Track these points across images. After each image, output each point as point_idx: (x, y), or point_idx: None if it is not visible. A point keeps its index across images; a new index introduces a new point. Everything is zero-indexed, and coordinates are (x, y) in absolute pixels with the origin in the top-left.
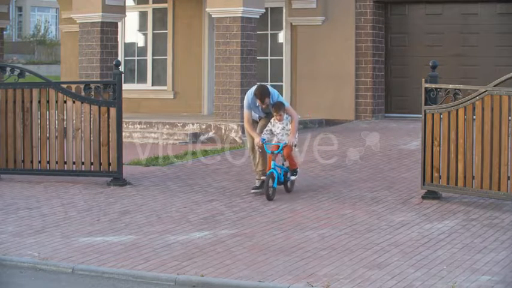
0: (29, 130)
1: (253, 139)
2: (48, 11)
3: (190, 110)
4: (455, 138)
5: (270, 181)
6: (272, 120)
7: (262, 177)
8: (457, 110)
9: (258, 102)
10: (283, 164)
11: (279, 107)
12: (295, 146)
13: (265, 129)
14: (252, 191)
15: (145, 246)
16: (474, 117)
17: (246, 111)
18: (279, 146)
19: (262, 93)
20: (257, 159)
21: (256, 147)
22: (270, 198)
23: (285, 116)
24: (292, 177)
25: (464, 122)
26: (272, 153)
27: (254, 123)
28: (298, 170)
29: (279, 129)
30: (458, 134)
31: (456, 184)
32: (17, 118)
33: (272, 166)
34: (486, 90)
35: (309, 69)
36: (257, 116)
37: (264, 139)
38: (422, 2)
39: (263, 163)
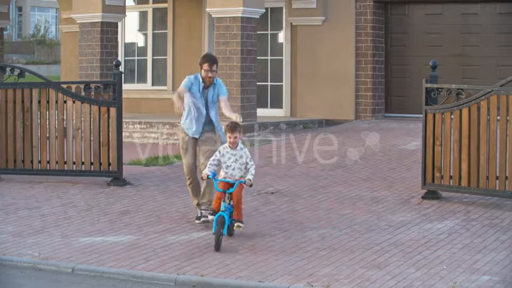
0: (29, 130)
1: (189, 160)
2: (48, 11)
3: None
4: (459, 138)
5: (220, 227)
6: (221, 148)
7: (203, 210)
8: (460, 110)
9: (205, 68)
10: (229, 203)
11: (235, 126)
12: (250, 186)
13: (211, 159)
14: (197, 221)
15: (145, 246)
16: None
17: (182, 86)
18: (233, 185)
19: (211, 57)
20: (193, 189)
21: (200, 179)
22: (219, 247)
23: (240, 145)
24: (238, 226)
25: (469, 121)
26: (224, 192)
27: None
28: (243, 221)
29: (231, 161)
30: (462, 133)
31: (459, 184)
32: (17, 118)
33: (222, 208)
34: (492, 90)
35: (308, 69)
36: (195, 106)
37: (214, 173)
38: (422, 2)
39: (210, 192)
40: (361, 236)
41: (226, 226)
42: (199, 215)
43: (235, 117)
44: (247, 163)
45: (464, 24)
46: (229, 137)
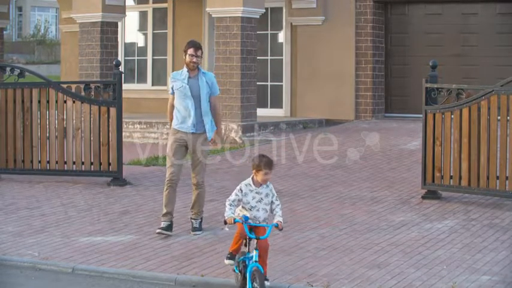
0: (29, 130)
1: (175, 163)
2: (48, 11)
3: None
4: (459, 138)
5: (259, 282)
6: (243, 186)
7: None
8: (460, 110)
9: (190, 53)
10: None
11: (271, 162)
12: (281, 230)
13: (231, 200)
14: (158, 230)
15: (145, 246)
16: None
17: (170, 96)
18: (266, 229)
19: (196, 42)
20: (168, 194)
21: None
22: None
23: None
24: (268, 284)
25: (469, 121)
26: (258, 239)
27: (178, 150)
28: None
29: (255, 201)
30: (463, 133)
31: (459, 183)
32: (17, 118)
33: (255, 258)
34: (493, 90)
35: (309, 69)
36: (183, 102)
37: (246, 217)
38: (422, 2)
39: (201, 204)
40: (361, 236)
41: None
42: (163, 225)
43: (216, 138)
44: (272, 202)
45: (464, 24)
46: (265, 174)
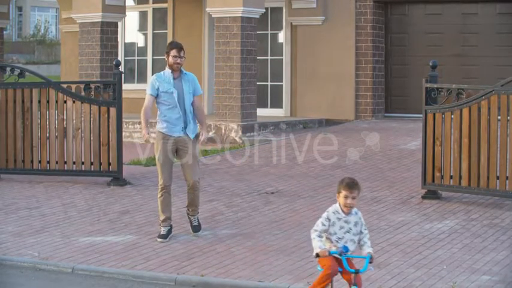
0: (29, 130)
1: (167, 169)
2: (48, 11)
3: None
4: (459, 138)
5: None
6: (331, 214)
7: (166, 226)
8: (461, 110)
9: (173, 54)
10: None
11: (354, 183)
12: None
13: (319, 229)
14: (159, 239)
15: (145, 246)
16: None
17: (148, 96)
18: (358, 261)
19: (177, 43)
20: (163, 199)
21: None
22: None
23: (354, 208)
24: None
25: (469, 121)
26: (357, 272)
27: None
28: None
29: (343, 232)
30: (463, 133)
31: (459, 183)
32: (17, 118)
33: None
34: (493, 90)
35: (309, 69)
36: (168, 104)
37: (346, 248)
38: (422, 2)
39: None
40: None
41: None
42: (164, 232)
43: (203, 136)
44: (361, 232)
45: (464, 24)
46: (346, 197)
